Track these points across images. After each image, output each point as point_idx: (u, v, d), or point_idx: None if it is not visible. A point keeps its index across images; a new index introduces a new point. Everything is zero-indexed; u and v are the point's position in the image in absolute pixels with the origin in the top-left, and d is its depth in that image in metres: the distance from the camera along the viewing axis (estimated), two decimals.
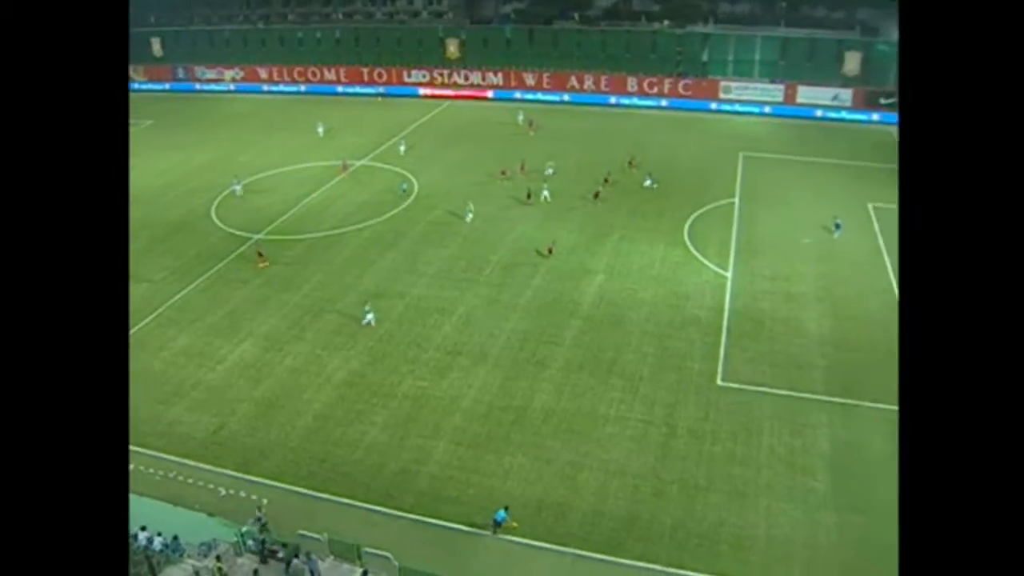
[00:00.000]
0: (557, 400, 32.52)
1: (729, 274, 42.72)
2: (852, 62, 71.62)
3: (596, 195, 52.33)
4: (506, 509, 25.90)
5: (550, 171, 56.65)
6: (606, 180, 54.73)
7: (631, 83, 75.73)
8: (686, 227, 48.56)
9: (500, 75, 78.78)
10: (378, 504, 26.81)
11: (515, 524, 25.76)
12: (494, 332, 37.38)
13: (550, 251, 44.61)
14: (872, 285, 41.60)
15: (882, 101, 70.50)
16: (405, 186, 55.15)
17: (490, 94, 78.80)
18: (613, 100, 76.09)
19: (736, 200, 52.48)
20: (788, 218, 49.68)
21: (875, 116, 70.20)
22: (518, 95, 78.31)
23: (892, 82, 71.13)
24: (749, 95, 73.62)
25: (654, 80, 75.22)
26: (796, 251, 45.37)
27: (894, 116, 69.41)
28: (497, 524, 25.53)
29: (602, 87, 76.51)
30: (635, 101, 75.57)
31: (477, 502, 27.14)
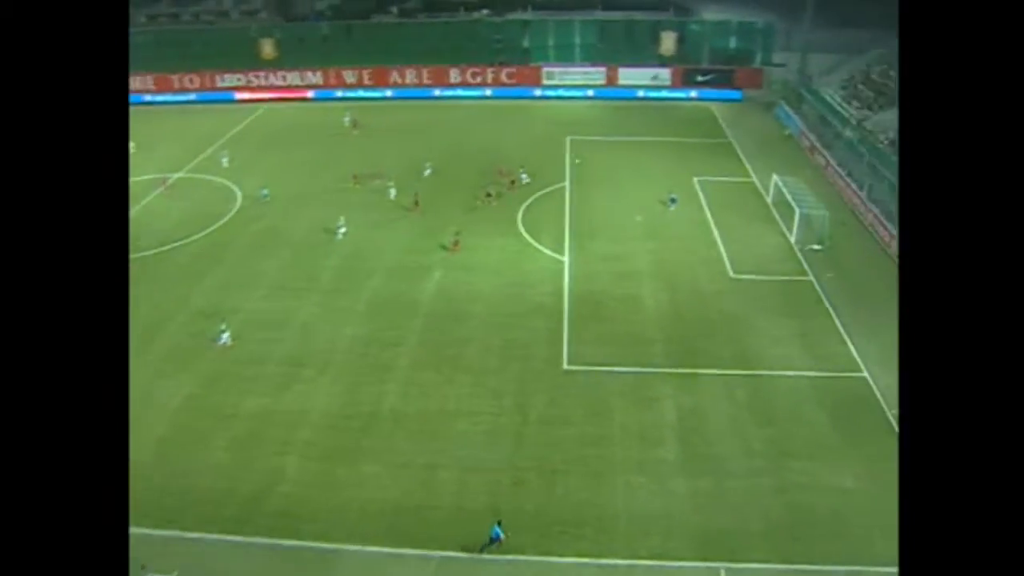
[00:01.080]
0: (405, 402, 32.42)
1: (566, 258, 43.83)
2: (668, 42, 74.79)
3: (489, 195, 51.25)
4: (499, 523, 24.97)
5: (427, 172, 55.69)
6: (488, 194, 52.21)
7: (454, 74, 75.86)
8: (519, 215, 49.42)
9: (319, 74, 76.96)
10: (233, 533, 25.79)
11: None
12: (335, 339, 36.86)
13: (456, 244, 44.18)
14: (701, 256, 44.16)
15: (699, 79, 74.11)
16: (266, 191, 52.94)
17: (310, 94, 76.98)
18: (437, 92, 75.90)
19: (567, 184, 53.91)
20: (619, 198, 51.58)
21: (693, 93, 73.71)
22: (340, 94, 76.77)
23: (706, 60, 75.16)
24: (572, 80, 75.30)
25: (477, 70, 75.60)
26: (629, 230, 47.17)
27: (711, 92, 73.75)
28: (493, 541, 24.66)
29: (425, 80, 76.23)
30: (459, 92, 75.69)
31: (335, 517, 26.74)
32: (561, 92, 75.07)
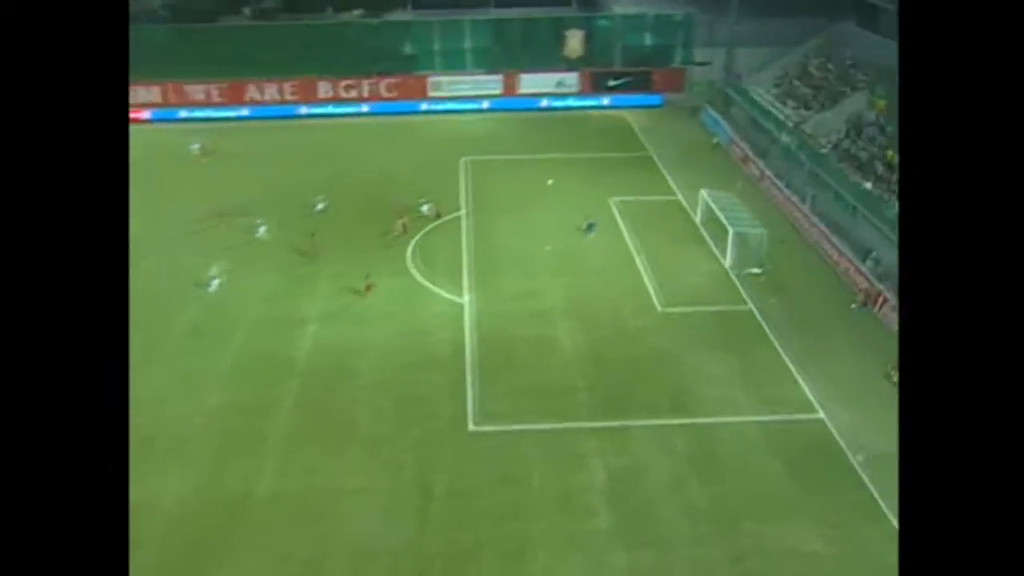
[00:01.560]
0: (283, 481, 31.60)
1: (466, 299, 43.93)
2: (573, 42, 75.81)
3: (404, 228, 50.72)
4: None
5: (319, 207, 54.62)
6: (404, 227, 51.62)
7: (323, 88, 74.60)
8: (408, 252, 49.16)
9: (157, 90, 73.56)
10: None
11: None
12: (192, 410, 35.83)
13: (368, 288, 44.12)
14: (624, 288, 44.90)
15: (611, 84, 75.52)
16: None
17: (147, 115, 72.84)
18: (304, 110, 74.43)
19: (463, 213, 54.14)
20: (525, 226, 52.08)
21: (605, 100, 75.01)
22: (184, 114, 73.55)
23: (618, 61, 76.58)
24: (464, 90, 75.12)
25: (351, 82, 74.53)
26: (539, 262, 47.68)
27: (626, 99, 75.19)
28: None
29: (288, 95, 74.48)
30: (330, 109, 74.55)
31: None
32: (452, 105, 74.55)
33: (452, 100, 74.80)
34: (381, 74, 74.89)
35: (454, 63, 76.03)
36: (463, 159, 63.55)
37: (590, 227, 50.49)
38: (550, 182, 55.98)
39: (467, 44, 76.13)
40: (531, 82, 75.26)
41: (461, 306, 43.34)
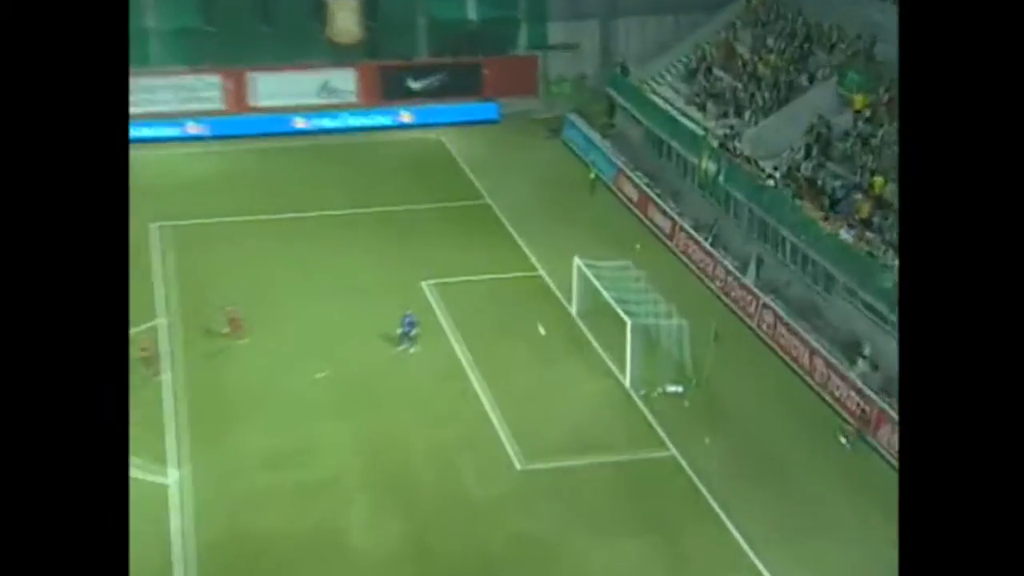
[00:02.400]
0: None
1: (174, 477, 41.52)
2: (345, 17, 75.68)
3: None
4: None
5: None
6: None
7: None
8: None
9: None
10: None
11: None
12: None
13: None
14: (459, 434, 43.91)
15: (412, 86, 76.06)
16: None
17: None
18: None
19: (160, 324, 52.16)
20: (282, 336, 50.74)
21: (404, 115, 75.75)
22: None
23: (424, 48, 77.02)
24: (156, 103, 72.37)
25: None
26: (309, 399, 46.01)
27: (441, 111, 75.42)
28: None
29: None
30: None
31: None
32: (138, 131, 65.65)
33: (138, 121, 65.20)
34: None
35: (138, 57, 67.52)
36: (155, 225, 61.22)
37: (408, 332, 49.04)
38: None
39: (154, 23, 72.76)
40: (274, 88, 75.19)
41: (164, 489, 40.76)
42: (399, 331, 49.79)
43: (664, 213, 60.57)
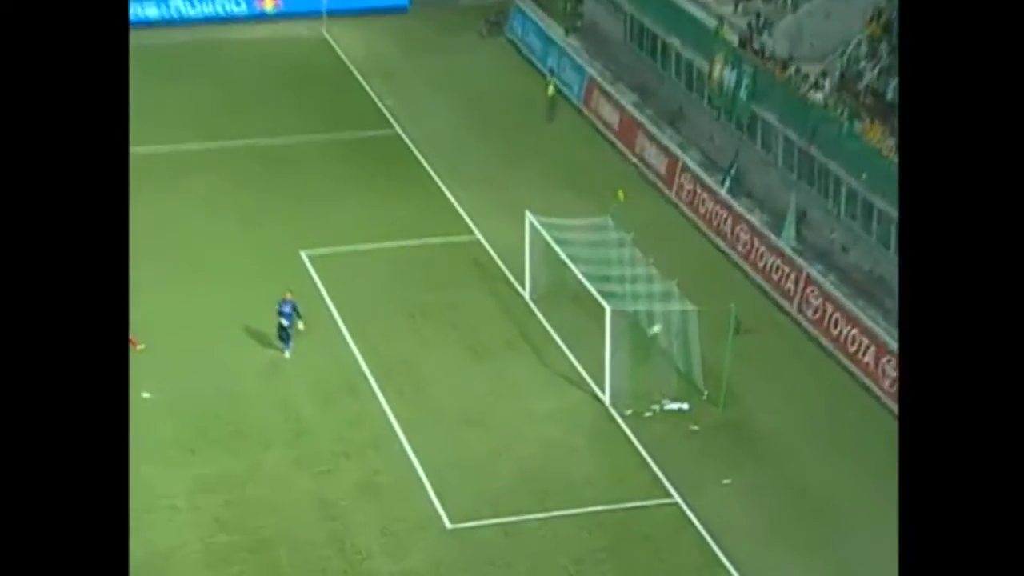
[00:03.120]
0: None
1: None
2: None
3: None
4: None
5: None
6: None
7: None
8: None
9: None
10: None
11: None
12: None
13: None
14: (356, 482, 43.82)
15: None
16: None
17: None
18: None
19: None
20: None
21: (267, 2, 76.23)
22: None
23: None
24: None
25: None
26: (140, 420, 45.20)
27: None
28: None
29: None
30: None
31: None
32: None
33: None
34: None
35: None
36: None
37: (286, 326, 48.76)
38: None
39: None
40: None
41: None
42: (281, 314, 49.63)
43: (659, 146, 60.71)
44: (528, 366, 49.44)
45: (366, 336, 50.95)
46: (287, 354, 49.86)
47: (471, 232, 57.05)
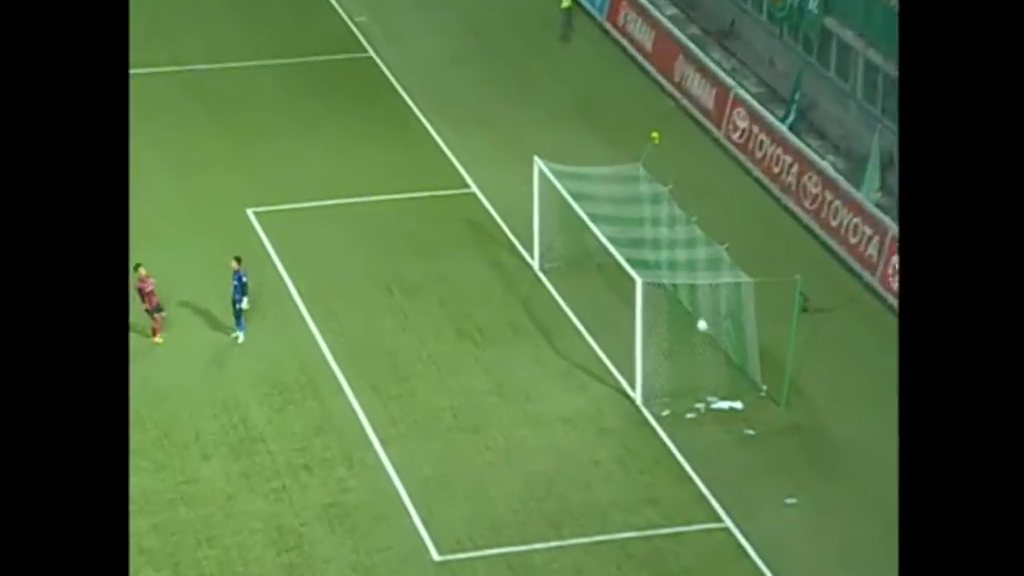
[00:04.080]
0: None
1: None
2: None
3: None
4: None
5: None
6: None
7: None
8: None
9: None
10: None
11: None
12: None
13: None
14: (324, 505, 43.98)
15: None
16: None
17: None
18: None
19: None
20: None
21: None
22: None
23: None
24: None
25: None
26: None
27: None
28: None
29: None
30: None
31: None
32: None
33: None
34: None
35: None
36: None
37: (238, 301, 48.86)
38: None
39: None
40: None
41: None
42: (236, 281, 49.61)
43: (704, 72, 60.88)
44: (537, 355, 49.55)
45: (331, 317, 51.29)
46: (240, 338, 50.27)
47: (465, 184, 57.30)
